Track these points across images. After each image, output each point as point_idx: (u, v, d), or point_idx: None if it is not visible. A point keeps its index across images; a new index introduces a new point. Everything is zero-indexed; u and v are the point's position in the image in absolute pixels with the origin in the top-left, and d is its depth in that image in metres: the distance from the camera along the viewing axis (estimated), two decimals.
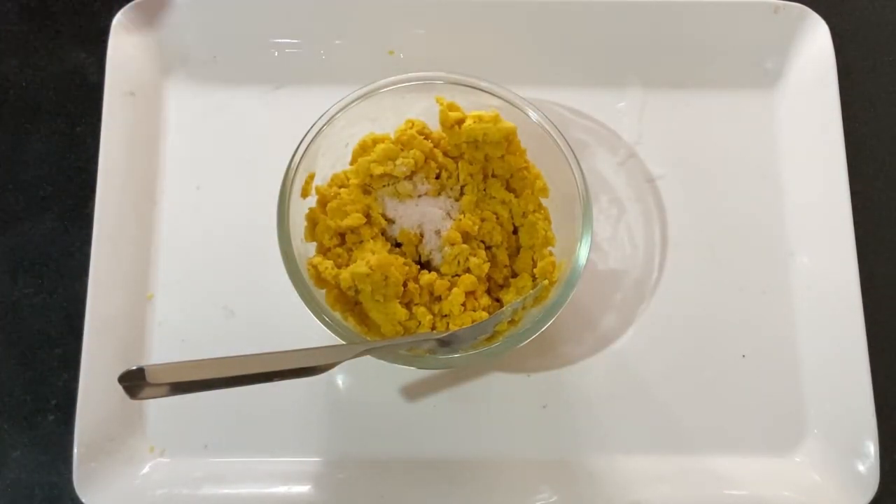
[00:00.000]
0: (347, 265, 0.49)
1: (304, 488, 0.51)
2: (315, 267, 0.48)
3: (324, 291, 0.49)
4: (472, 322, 0.48)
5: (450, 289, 0.49)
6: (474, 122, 0.49)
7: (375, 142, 0.51)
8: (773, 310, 0.55)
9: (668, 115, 0.58)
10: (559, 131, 0.50)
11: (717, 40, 0.58)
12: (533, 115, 0.50)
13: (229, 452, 0.52)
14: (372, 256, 0.48)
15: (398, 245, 0.51)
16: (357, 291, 0.48)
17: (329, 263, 0.48)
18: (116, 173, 0.55)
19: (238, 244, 0.55)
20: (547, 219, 0.52)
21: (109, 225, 0.54)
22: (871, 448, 0.51)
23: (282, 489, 0.51)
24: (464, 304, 0.49)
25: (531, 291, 0.49)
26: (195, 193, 0.56)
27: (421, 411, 0.53)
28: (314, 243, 0.50)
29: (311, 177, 0.50)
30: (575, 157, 0.49)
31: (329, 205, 0.50)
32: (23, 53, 0.60)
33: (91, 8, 0.60)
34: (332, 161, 0.52)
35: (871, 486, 0.50)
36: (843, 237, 0.54)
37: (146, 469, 0.52)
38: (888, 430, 0.52)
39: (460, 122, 0.50)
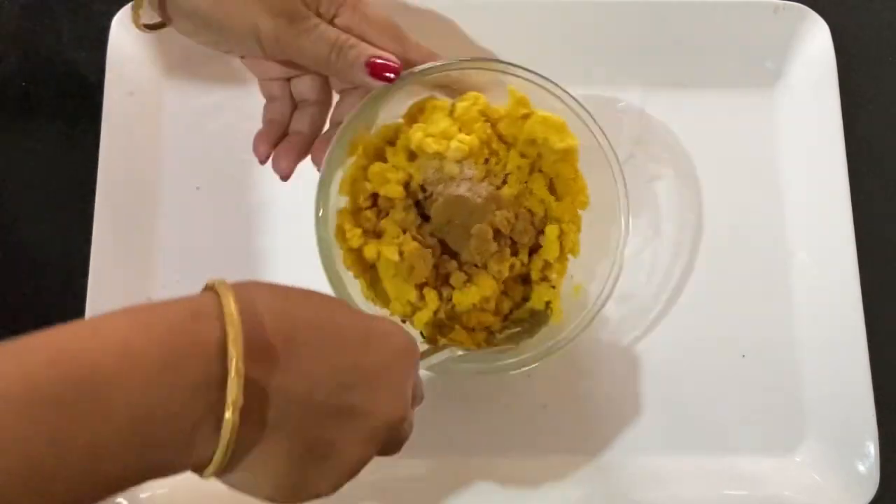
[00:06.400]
0: (374, 231, 0.48)
1: None
2: (342, 230, 0.47)
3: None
4: (473, 343, 0.49)
5: (466, 282, 0.49)
6: (539, 123, 0.48)
7: (435, 109, 0.48)
8: (773, 310, 0.55)
9: (668, 115, 0.58)
10: (615, 155, 0.50)
11: (717, 40, 0.58)
12: (594, 131, 0.50)
13: None
14: (403, 239, 0.47)
15: (427, 219, 0.49)
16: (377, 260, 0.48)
17: (358, 231, 0.47)
18: (116, 173, 0.54)
19: (238, 244, 0.55)
20: (578, 229, 0.51)
21: (109, 225, 0.54)
22: (871, 448, 0.51)
23: None
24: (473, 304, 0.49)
25: (521, 328, 0.51)
26: (195, 193, 0.56)
27: (421, 411, 0.53)
28: (346, 197, 0.49)
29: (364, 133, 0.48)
30: (625, 183, 0.49)
31: (371, 168, 0.48)
32: (23, 53, 0.60)
33: (91, 8, 0.60)
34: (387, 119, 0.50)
35: (871, 486, 0.50)
36: (843, 237, 0.54)
37: None
38: (888, 430, 0.52)
39: (526, 116, 0.49)
